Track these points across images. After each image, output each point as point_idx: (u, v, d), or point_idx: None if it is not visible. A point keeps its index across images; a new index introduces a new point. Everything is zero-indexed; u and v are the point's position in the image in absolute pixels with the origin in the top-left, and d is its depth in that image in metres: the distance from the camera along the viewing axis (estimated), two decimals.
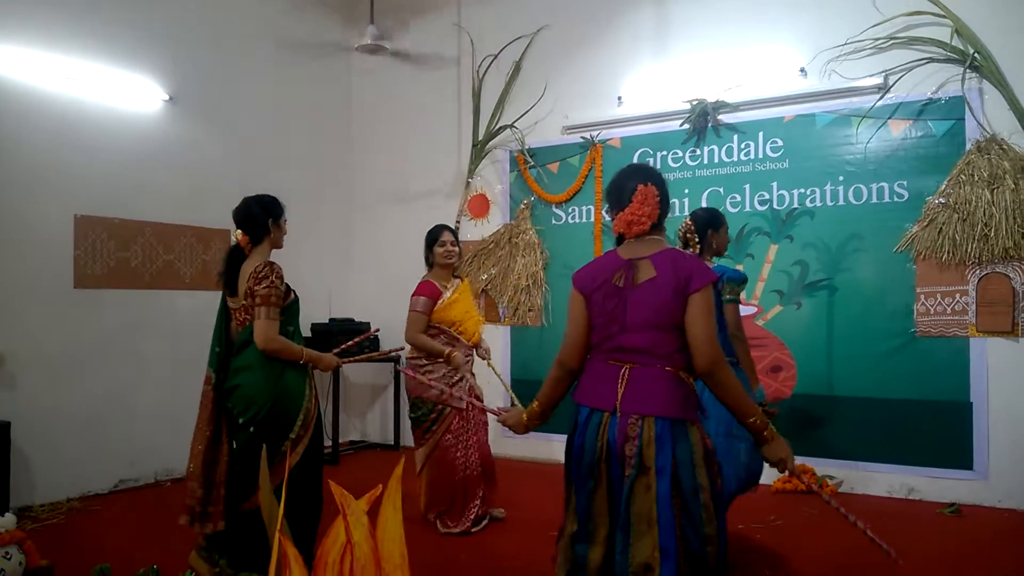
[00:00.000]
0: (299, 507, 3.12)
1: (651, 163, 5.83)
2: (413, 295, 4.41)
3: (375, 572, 1.92)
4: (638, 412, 2.21)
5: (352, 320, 6.63)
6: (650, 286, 2.27)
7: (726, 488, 3.30)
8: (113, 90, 5.27)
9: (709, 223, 3.71)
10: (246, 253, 3.33)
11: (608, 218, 2.59)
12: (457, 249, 4.54)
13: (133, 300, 5.37)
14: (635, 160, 5.87)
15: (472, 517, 4.36)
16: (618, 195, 2.43)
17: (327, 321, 6.52)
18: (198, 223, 5.78)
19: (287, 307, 3.29)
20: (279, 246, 3.42)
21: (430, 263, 4.54)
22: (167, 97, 5.59)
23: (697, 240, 3.63)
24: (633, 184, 2.37)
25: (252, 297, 3.18)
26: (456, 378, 4.36)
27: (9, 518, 3.16)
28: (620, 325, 2.29)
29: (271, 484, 2.90)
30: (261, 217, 3.33)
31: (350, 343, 3.82)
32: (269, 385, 3.18)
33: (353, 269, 7.29)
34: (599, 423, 2.27)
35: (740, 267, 5.32)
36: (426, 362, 4.38)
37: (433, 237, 4.51)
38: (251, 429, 3.16)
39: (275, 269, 3.23)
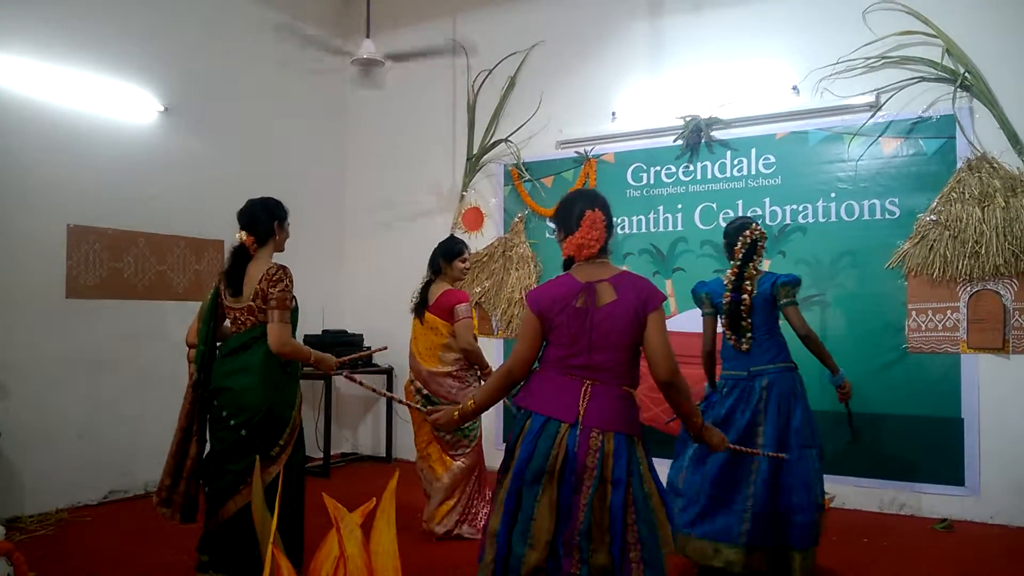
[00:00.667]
0: (280, 516, 3.13)
1: (644, 178, 5.87)
2: (455, 303, 4.33)
3: None
4: (599, 427, 2.35)
5: (345, 332, 6.62)
6: (613, 308, 2.40)
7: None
8: (108, 100, 5.27)
9: None
10: (251, 254, 3.34)
11: (555, 239, 2.68)
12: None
13: (125, 310, 5.35)
14: (629, 176, 5.91)
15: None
16: (566, 219, 2.54)
17: (320, 332, 6.51)
18: (191, 234, 5.78)
19: (292, 312, 3.33)
20: (281, 249, 3.45)
21: (440, 272, 4.49)
22: (162, 108, 5.60)
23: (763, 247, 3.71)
24: (581, 209, 2.49)
25: (264, 300, 3.20)
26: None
27: None
28: (585, 345, 2.40)
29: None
30: (266, 219, 3.37)
31: (355, 356, 3.87)
32: (267, 391, 3.21)
33: (346, 281, 7.28)
34: (555, 432, 2.37)
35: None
36: (469, 373, 4.40)
37: (457, 251, 4.47)
38: (243, 432, 3.17)
39: (288, 273, 3.27)
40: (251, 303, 3.24)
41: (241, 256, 3.35)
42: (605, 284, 2.43)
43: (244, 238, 3.33)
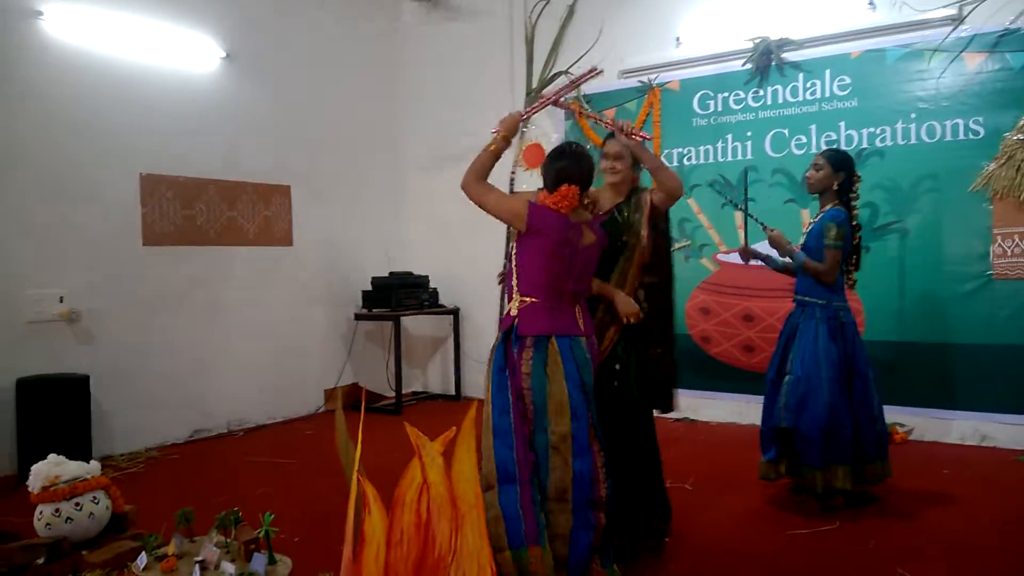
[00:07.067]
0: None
1: (712, 106, 5.68)
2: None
3: (450, 511, 1.96)
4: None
5: (411, 273, 6.67)
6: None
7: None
8: (171, 49, 5.31)
9: None
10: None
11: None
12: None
13: (199, 256, 5.49)
14: (695, 104, 5.73)
15: None
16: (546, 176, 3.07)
17: (387, 275, 6.57)
18: (258, 180, 5.86)
19: None
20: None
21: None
22: (224, 55, 5.63)
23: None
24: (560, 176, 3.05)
25: None
26: None
27: (94, 464, 3.29)
28: None
29: None
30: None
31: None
32: None
33: (408, 222, 7.28)
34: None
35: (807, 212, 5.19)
36: None
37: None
38: None
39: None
40: None
41: None
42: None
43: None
